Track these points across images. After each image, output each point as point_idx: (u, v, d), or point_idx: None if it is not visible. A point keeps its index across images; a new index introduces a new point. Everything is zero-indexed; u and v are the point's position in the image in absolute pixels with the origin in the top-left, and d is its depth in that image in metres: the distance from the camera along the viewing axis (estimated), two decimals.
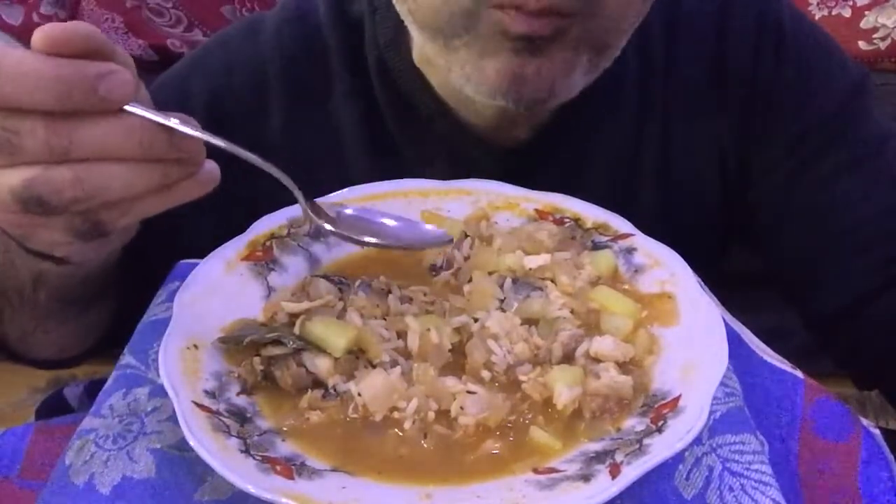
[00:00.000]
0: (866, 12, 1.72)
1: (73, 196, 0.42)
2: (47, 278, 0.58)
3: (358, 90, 0.73)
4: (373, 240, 0.55)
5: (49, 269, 0.56)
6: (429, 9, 0.59)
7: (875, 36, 1.72)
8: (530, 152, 0.73)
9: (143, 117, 0.43)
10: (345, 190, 0.65)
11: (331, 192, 0.64)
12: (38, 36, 0.41)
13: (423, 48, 0.66)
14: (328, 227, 0.54)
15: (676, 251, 0.59)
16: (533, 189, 0.66)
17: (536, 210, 0.65)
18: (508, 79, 0.59)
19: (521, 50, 0.57)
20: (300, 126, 0.74)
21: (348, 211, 0.57)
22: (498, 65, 0.58)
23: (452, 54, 0.61)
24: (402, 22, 0.65)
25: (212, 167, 0.47)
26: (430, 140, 0.73)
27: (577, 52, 0.59)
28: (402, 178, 0.67)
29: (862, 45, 1.72)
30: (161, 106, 0.45)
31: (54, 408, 0.86)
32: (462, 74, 0.61)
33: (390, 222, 0.57)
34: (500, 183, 0.67)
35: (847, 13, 1.73)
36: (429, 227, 0.59)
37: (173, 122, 0.43)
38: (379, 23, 0.71)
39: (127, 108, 0.42)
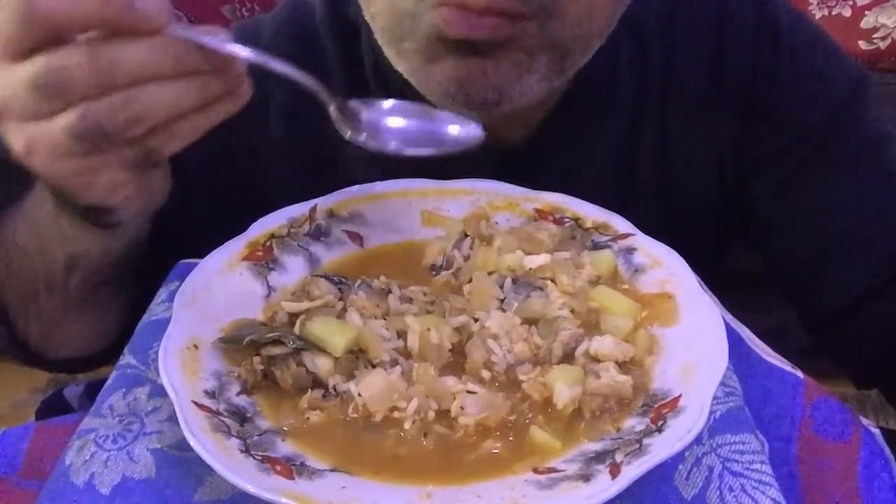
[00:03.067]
0: (866, 12, 1.72)
1: (127, 118, 0.44)
2: (83, 259, 0.59)
3: (356, 93, 0.73)
4: (410, 150, 0.54)
5: (86, 250, 0.58)
6: (380, 12, 0.59)
7: (875, 36, 1.73)
8: (526, 154, 0.73)
9: (178, 36, 0.44)
10: (345, 190, 0.65)
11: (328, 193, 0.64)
12: None
13: (389, 58, 0.64)
14: (360, 138, 0.53)
15: (676, 250, 0.59)
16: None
17: (536, 210, 0.65)
18: (454, 84, 0.58)
19: (464, 53, 0.57)
20: (300, 130, 0.74)
21: (375, 114, 0.55)
22: (443, 69, 0.58)
23: (405, 59, 0.60)
24: None
25: (243, 80, 0.48)
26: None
27: (532, 56, 0.58)
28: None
29: (862, 45, 1.72)
30: None
31: (54, 408, 0.87)
32: (416, 80, 0.61)
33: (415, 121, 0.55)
34: (500, 183, 0.67)
35: (847, 13, 1.73)
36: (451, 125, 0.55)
37: (208, 38, 0.45)
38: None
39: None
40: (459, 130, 0.54)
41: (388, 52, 0.62)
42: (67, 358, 0.71)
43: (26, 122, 0.46)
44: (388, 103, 0.54)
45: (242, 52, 0.46)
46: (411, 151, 0.54)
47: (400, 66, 0.62)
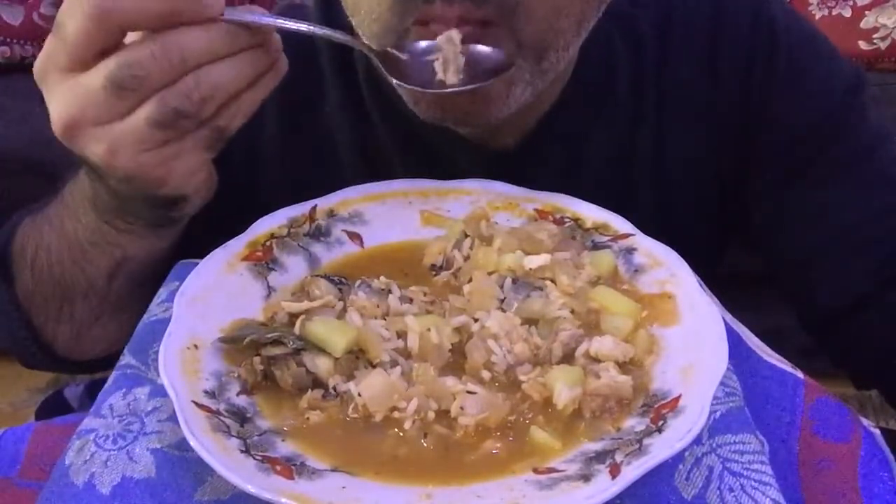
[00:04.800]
0: (866, 12, 1.72)
1: (199, 98, 0.49)
2: (128, 264, 0.62)
3: (349, 99, 0.73)
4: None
5: (134, 255, 0.61)
6: (370, 33, 0.60)
7: (875, 36, 1.73)
8: (522, 156, 0.73)
9: (232, 20, 0.50)
10: (345, 190, 0.65)
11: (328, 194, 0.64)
12: None
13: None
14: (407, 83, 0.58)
15: (676, 250, 0.59)
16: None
17: (536, 210, 0.65)
18: (439, 110, 0.61)
19: None
20: (294, 134, 0.74)
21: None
22: (429, 97, 0.60)
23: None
24: None
25: (281, 53, 0.54)
26: (420, 149, 0.72)
27: (510, 65, 0.59)
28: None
29: (862, 45, 1.72)
30: None
31: (54, 408, 0.87)
32: (406, 99, 0.63)
33: None
34: (500, 183, 0.67)
35: (847, 13, 1.73)
36: None
37: (254, 16, 0.51)
38: None
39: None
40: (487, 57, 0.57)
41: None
42: (94, 358, 0.71)
43: (106, 125, 0.49)
44: (423, 44, 0.57)
45: (283, 22, 0.52)
46: (452, 88, 0.57)
47: (389, 83, 0.62)
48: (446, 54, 0.57)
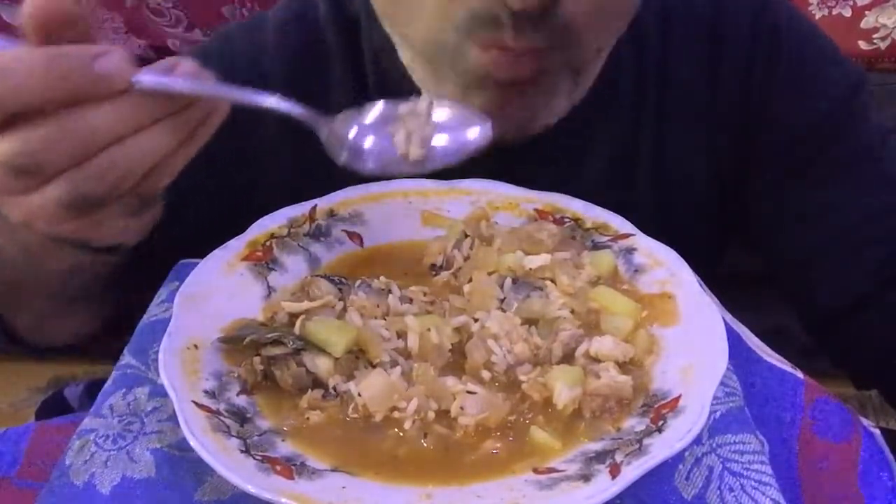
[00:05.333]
0: (866, 12, 1.72)
1: (114, 179, 0.43)
2: (83, 270, 0.59)
3: (356, 91, 0.73)
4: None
5: (89, 263, 0.57)
6: (419, 40, 0.61)
7: (875, 36, 1.72)
8: (525, 153, 0.73)
9: (147, 86, 0.42)
10: (345, 190, 0.65)
11: (328, 194, 0.64)
12: (25, 20, 0.40)
13: (414, 73, 0.67)
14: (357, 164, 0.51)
15: (676, 250, 0.59)
16: (528, 188, 0.66)
17: (536, 210, 0.65)
18: (494, 114, 0.59)
19: (503, 87, 0.60)
20: (295, 129, 0.74)
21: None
22: (483, 100, 0.60)
23: (441, 81, 0.62)
24: None
25: (217, 109, 0.46)
26: None
27: (558, 80, 0.62)
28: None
29: (862, 45, 1.72)
30: None
31: (54, 408, 0.87)
32: (451, 100, 0.62)
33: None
34: (500, 183, 0.67)
35: (847, 13, 1.73)
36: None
37: (180, 83, 0.43)
38: (374, 24, 0.71)
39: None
40: (467, 132, 0.52)
41: (424, 70, 0.64)
42: (63, 344, 0.70)
43: (16, 197, 0.44)
44: (380, 108, 0.52)
45: (217, 90, 0.44)
46: (409, 170, 0.52)
47: (433, 84, 0.64)
48: (409, 126, 0.51)
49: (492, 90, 0.60)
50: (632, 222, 0.62)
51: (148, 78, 0.42)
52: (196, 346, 0.51)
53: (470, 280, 0.57)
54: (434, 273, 0.61)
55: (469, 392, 0.49)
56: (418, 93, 0.71)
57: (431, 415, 0.48)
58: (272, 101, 0.47)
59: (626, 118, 0.73)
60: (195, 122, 0.45)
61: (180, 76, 0.43)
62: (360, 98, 0.73)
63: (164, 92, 0.42)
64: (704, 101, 0.73)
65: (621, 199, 0.67)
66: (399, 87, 0.71)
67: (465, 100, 0.61)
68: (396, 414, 0.48)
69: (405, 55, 0.68)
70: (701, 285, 0.56)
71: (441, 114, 0.52)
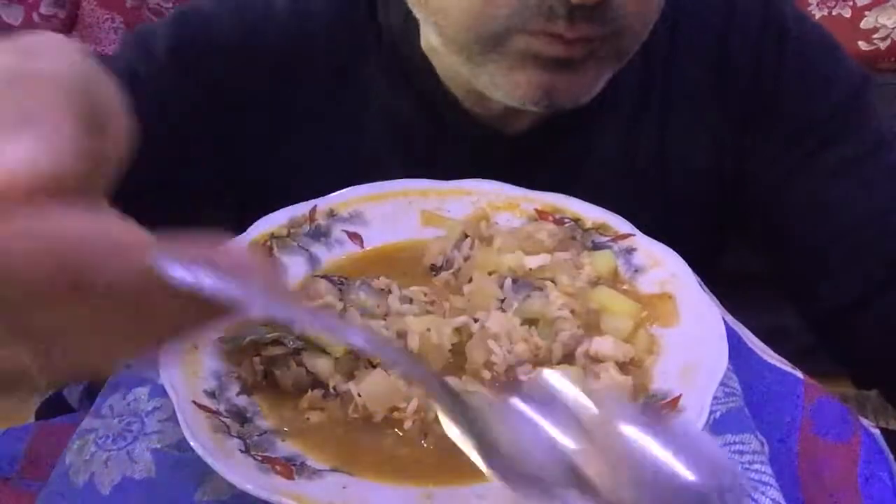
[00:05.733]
0: (866, 12, 1.72)
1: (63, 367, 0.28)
2: None
3: (383, 67, 0.73)
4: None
5: None
6: (457, 28, 0.60)
7: (875, 36, 1.73)
8: (529, 143, 0.73)
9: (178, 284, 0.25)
10: (344, 190, 0.65)
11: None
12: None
13: (446, 57, 0.66)
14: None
15: (676, 250, 0.59)
16: (531, 181, 0.66)
17: (536, 210, 0.65)
18: (541, 91, 0.61)
19: (550, 67, 0.59)
20: (333, 94, 0.73)
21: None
22: (529, 78, 0.60)
23: (478, 66, 0.62)
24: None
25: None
26: (439, 126, 0.73)
27: (604, 65, 0.62)
28: (412, 158, 0.68)
29: (862, 45, 1.72)
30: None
31: (54, 408, 0.87)
32: (490, 83, 0.63)
33: None
34: (500, 183, 0.67)
35: (847, 13, 1.73)
36: None
37: (232, 288, 0.25)
38: (392, 7, 0.71)
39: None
40: None
41: (456, 59, 0.63)
42: None
43: None
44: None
45: (286, 311, 0.28)
46: None
47: (468, 69, 0.63)
48: None
49: (537, 69, 0.60)
50: (633, 217, 0.62)
51: (183, 274, 0.25)
52: (196, 347, 0.51)
53: (470, 280, 0.57)
54: (434, 273, 0.61)
55: (469, 392, 0.49)
56: (433, 79, 0.71)
57: (431, 415, 0.48)
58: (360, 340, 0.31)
59: (629, 112, 0.74)
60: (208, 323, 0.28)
61: (231, 275, 0.26)
62: (388, 79, 0.73)
63: (199, 293, 0.25)
64: (709, 97, 0.73)
65: (622, 192, 0.68)
66: (417, 75, 0.71)
67: (510, 81, 0.61)
68: (396, 414, 0.48)
69: (431, 39, 0.67)
70: (701, 285, 0.56)
71: None
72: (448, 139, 0.74)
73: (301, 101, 0.73)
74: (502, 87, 0.62)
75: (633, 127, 0.74)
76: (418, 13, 0.65)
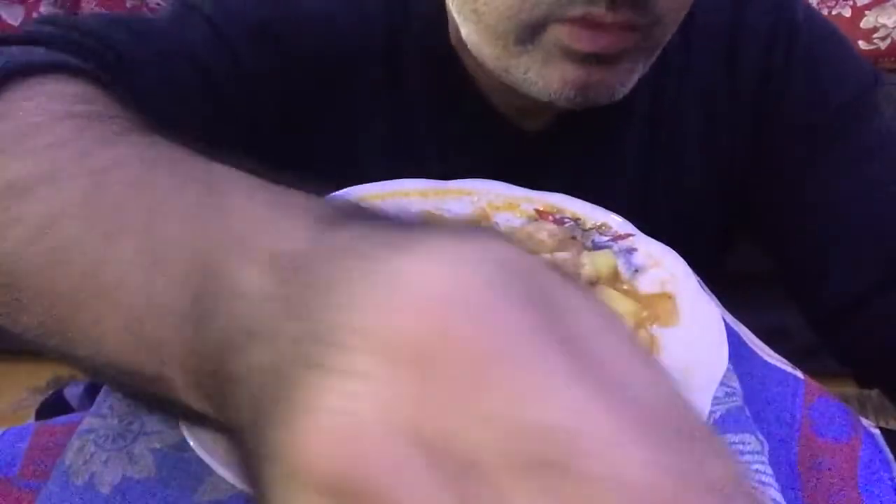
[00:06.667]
0: (866, 12, 1.72)
1: None
2: None
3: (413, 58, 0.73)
4: None
5: None
6: (495, 17, 0.60)
7: (875, 36, 1.73)
8: (540, 142, 0.73)
9: None
10: (344, 190, 0.65)
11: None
12: None
13: (479, 49, 0.66)
14: None
15: (676, 251, 0.59)
16: (543, 179, 0.66)
17: (537, 210, 0.65)
18: (575, 87, 0.61)
19: (584, 62, 0.59)
20: (396, 80, 0.73)
21: None
22: (563, 73, 0.60)
23: (513, 58, 0.62)
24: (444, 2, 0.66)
25: None
26: (455, 117, 0.74)
27: (636, 59, 0.62)
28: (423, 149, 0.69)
29: (862, 45, 1.73)
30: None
31: (54, 408, 0.87)
32: (523, 77, 0.63)
33: None
34: (501, 183, 0.67)
35: (847, 13, 1.73)
36: None
37: None
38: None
39: None
40: None
41: (491, 51, 0.63)
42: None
43: None
44: None
45: None
46: None
47: (502, 62, 0.63)
48: None
49: (571, 64, 0.60)
50: (645, 222, 0.62)
51: None
52: None
53: None
54: None
55: None
56: (457, 72, 0.71)
57: None
58: None
59: (642, 112, 0.74)
60: None
61: None
62: (430, 69, 0.72)
63: None
64: (720, 96, 0.74)
65: (636, 199, 0.68)
66: (441, 66, 0.71)
67: (543, 76, 0.61)
68: None
69: (464, 31, 0.67)
70: (701, 285, 0.56)
71: None
72: (467, 135, 0.74)
73: (355, 99, 0.73)
74: (535, 80, 0.62)
75: (646, 129, 0.74)
76: (453, 3, 0.65)
